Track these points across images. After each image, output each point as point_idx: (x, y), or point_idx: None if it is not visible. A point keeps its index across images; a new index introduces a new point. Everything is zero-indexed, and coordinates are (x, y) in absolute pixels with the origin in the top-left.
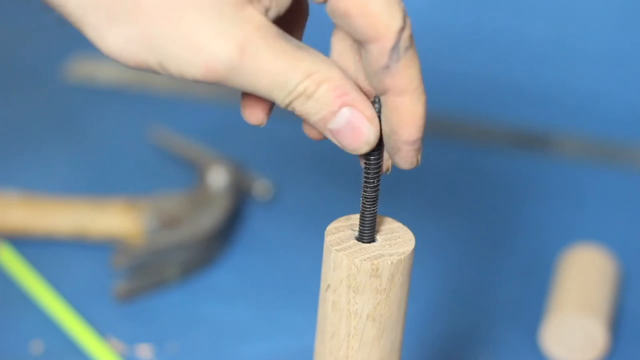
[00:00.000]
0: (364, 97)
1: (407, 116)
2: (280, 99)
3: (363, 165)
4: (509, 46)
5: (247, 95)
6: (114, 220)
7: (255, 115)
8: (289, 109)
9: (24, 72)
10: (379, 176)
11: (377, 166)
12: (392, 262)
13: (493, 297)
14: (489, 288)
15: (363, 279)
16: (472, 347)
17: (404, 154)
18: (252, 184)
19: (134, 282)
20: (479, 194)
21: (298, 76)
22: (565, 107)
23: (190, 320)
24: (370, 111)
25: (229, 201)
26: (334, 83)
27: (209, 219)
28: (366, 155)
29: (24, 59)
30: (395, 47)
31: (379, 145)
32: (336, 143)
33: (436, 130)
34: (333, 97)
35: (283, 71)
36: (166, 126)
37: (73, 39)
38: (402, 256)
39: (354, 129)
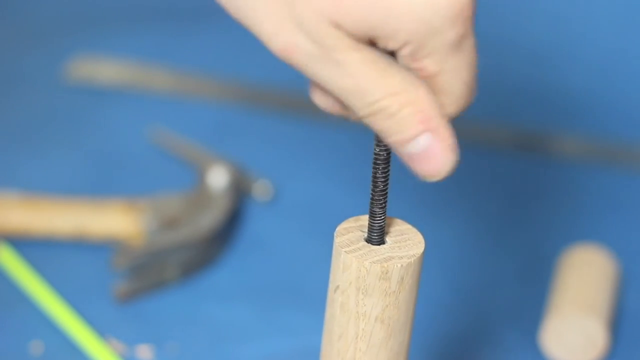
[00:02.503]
0: (447, 124)
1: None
2: (357, 107)
3: (372, 166)
4: (509, 46)
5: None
6: (114, 220)
7: (324, 101)
8: (364, 121)
9: (23, 72)
10: (387, 177)
11: (385, 166)
12: (401, 265)
13: (493, 297)
14: (489, 288)
15: (372, 281)
16: (472, 347)
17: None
18: (252, 184)
19: (134, 283)
20: (478, 194)
21: (383, 91)
22: (565, 107)
23: (190, 320)
24: (453, 140)
25: (229, 201)
26: (418, 106)
27: (209, 219)
28: (375, 155)
29: (24, 59)
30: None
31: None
32: (408, 165)
33: None
34: (415, 121)
35: (369, 80)
36: (166, 126)
37: (73, 39)
38: (412, 259)
39: (431, 157)
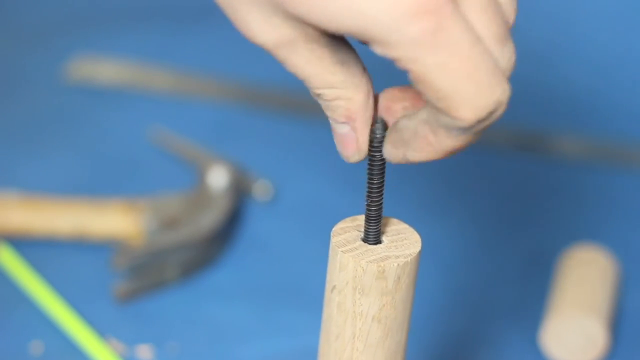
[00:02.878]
0: (364, 130)
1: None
2: (309, 88)
3: (367, 167)
4: None
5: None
6: (114, 220)
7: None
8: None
9: (23, 72)
10: (382, 178)
11: (380, 167)
12: (398, 264)
13: (493, 297)
14: (488, 288)
15: (369, 280)
16: (472, 347)
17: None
18: (252, 184)
19: (134, 283)
20: (478, 194)
21: (319, 82)
22: (565, 107)
23: (190, 320)
24: (362, 144)
25: (229, 201)
26: (349, 103)
27: (209, 219)
28: (370, 156)
29: (24, 59)
30: (467, 129)
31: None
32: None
33: None
34: (341, 113)
35: (310, 73)
36: (166, 126)
37: (73, 39)
38: (409, 258)
39: (345, 144)
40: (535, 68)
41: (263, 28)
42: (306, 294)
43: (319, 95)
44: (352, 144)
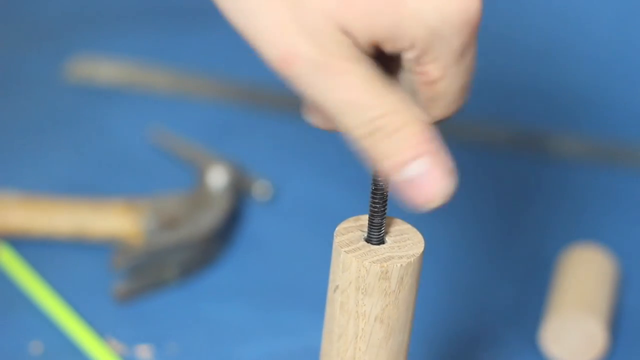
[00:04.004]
0: (443, 147)
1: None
2: (353, 125)
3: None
4: (509, 45)
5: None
6: (114, 220)
7: (315, 118)
8: (359, 143)
9: (23, 72)
10: (386, 197)
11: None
12: (401, 265)
13: (493, 297)
14: (488, 288)
15: (372, 281)
16: (472, 347)
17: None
18: (252, 184)
19: (134, 283)
20: (478, 194)
21: (383, 108)
22: (565, 107)
23: (190, 320)
24: (450, 163)
25: (228, 201)
26: (416, 128)
27: (208, 219)
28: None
29: (24, 59)
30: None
31: None
32: (402, 194)
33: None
34: (414, 143)
35: (370, 94)
36: (166, 126)
37: (73, 39)
38: (412, 259)
39: (427, 182)
40: (535, 68)
41: (296, 39)
42: (306, 294)
43: (378, 129)
44: (440, 175)
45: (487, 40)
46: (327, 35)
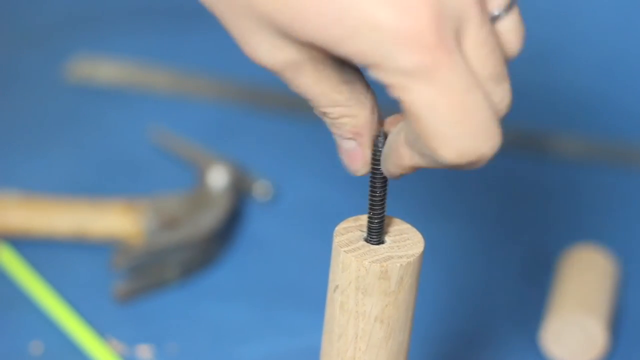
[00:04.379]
0: (368, 146)
1: None
2: (314, 107)
3: (370, 179)
4: None
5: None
6: (114, 220)
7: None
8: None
9: (23, 72)
10: (385, 189)
11: (382, 180)
12: (401, 265)
13: (493, 297)
14: (488, 288)
15: (372, 281)
16: (472, 347)
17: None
18: (252, 184)
19: (134, 283)
20: (478, 193)
21: (325, 102)
22: (565, 107)
23: (190, 320)
24: (369, 157)
25: (228, 201)
26: (355, 121)
27: (209, 219)
28: (372, 169)
29: (24, 59)
30: (444, 165)
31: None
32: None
33: None
34: (347, 130)
35: (316, 94)
36: (166, 126)
37: (73, 39)
38: (412, 258)
39: (352, 159)
40: (535, 68)
41: (269, 51)
42: (306, 294)
43: (324, 113)
44: (359, 158)
45: None
46: (288, 43)
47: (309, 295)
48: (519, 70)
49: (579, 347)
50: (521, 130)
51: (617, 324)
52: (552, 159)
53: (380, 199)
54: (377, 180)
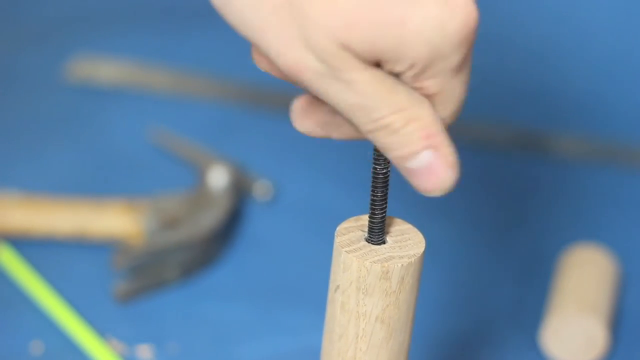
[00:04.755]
0: (449, 142)
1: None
2: (363, 123)
3: (372, 168)
4: (509, 46)
5: (305, 102)
6: (114, 220)
7: (306, 125)
8: (369, 136)
9: (24, 72)
10: (387, 178)
11: (385, 167)
12: (402, 265)
13: (493, 297)
14: (489, 288)
15: (373, 281)
16: (472, 347)
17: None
18: (252, 184)
19: (134, 283)
20: (478, 193)
21: (389, 108)
22: (565, 107)
23: (190, 320)
24: (454, 157)
25: (229, 201)
26: (422, 123)
27: (209, 219)
28: (374, 156)
29: (24, 59)
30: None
31: None
32: (408, 180)
33: None
34: (419, 137)
35: (376, 97)
36: (166, 126)
37: (73, 39)
38: (413, 259)
39: (432, 173)
40: (535, 68)
41: (313, 60)
42: (306, 294)
43: (387, 127)
44: (442, 167)
45: (487, 40)
46: (330, 52)
47: (309, 295)
48: (519, 70)
49: (579, 347)
50: (521, 130)
51: (617, 324)
52: (552, 159)
53: (381, 199)
54: (378, 180)
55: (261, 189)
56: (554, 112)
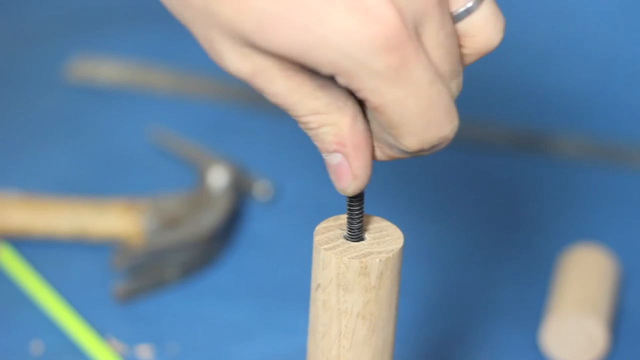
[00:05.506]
0: (361, 155)
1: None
2: (292, 115)
3: None
4: (509, 46)
5: None
6: (114, 220)
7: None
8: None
9: (24, 72)
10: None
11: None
12: (380, 260)
13: (493, 297)
14: (489, 288)
15: (352, 277)
16: (472, 347)
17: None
18: (252, 184)
19: (134, 283)
20: (479, 194)
21: (304, 109)
22: (565, 107)
23: (190, 320)
24: (361, 171)
25: (229, 201)
26: (336, 128)
27: (209, 219)
28: None
29: (24, 59)
30: (408, 153)
31: None
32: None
33: None
34: (330, 140)
35: (291, 100)
36: (166, 126)
37: (73, 39)
38: (391, 254)
39: (339, 175)
40: (535, 67)
41: (236, 60)
42: (306, 294)
43: (305, 124)
44: (347, 173)
45: None
46: (247, 54)
47: (308, 295)
48: (519, 70)
49: (579, 347)
50: (521, 130)
51: (617, 324)
52: (552, 159)
53: (358, 195)
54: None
55: (261, 189)
56: (553, 112)
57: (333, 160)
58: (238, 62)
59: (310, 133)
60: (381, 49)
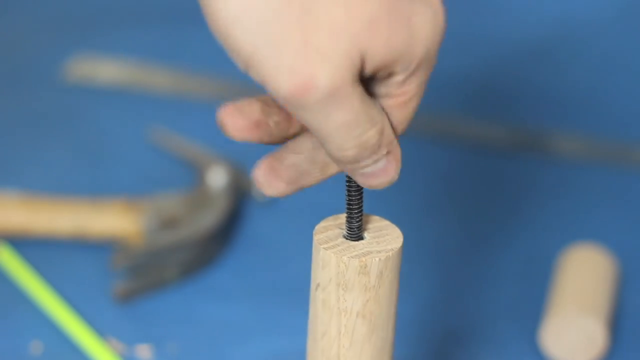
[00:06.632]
0: (398, 144)
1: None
2: (340, 144)
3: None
4: (509, 45)
5: (268, 165)
6: (114, 220)
7: (277, 186)
8: (339, 158)
9: (23, 71)
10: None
11: (358, 187)
12: (380, 259)
13: (493, 297)
14: (488, 288)
15: (352, 276)
16: (471, 347)
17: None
18: (252, 184)
19: (134, 283)
20: (479, 194)
21: (369, 121)
22: (565, 107)
23: (190, 320)
24: (400, 153)
25: (228, 201)
26: (386, 132)
27: (208, 219)
28: (347, 181)
29: (24, 58)
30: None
31: None
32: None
33: (435, 130)
34: (383, 147)
35: (362, 111)
36: (166, 126)
37: (73, 39)
38: (390, 253)
39: (383, 174)
40: (535, 68)
41: (323, 62)
42: (306, 294)
43: (363, 142)
44: (392, 169)
45: (487, 40)
46: (346, 59)
47: (308, 294)
48: (519, 70)
49: (579, 347)
50: (521, 130)
51: (617, 324)
52: (552, 159)
53: (356, 192)
54: (353, 189)
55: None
56: (553, 112)
57: (377, 165)
58: (325, 67)
59: (357, 167)
60: (441, 40)
